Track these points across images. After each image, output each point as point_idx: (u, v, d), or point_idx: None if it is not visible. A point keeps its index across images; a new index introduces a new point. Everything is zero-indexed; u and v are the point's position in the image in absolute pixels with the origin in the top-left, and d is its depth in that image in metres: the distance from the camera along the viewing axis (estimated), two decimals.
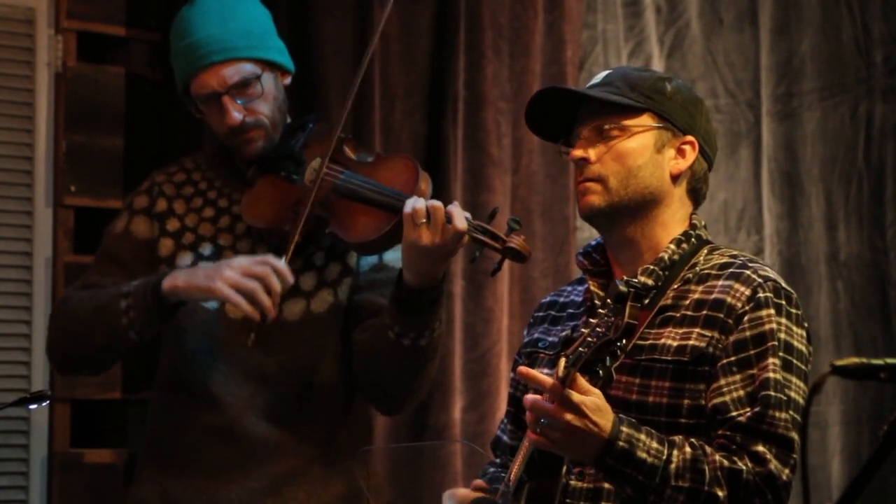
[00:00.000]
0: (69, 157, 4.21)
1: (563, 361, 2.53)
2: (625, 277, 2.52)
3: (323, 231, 3.20)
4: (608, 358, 2.50)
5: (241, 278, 3.06)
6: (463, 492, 2.83)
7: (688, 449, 2.61)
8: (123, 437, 4.25)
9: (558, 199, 4.59)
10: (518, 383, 2.94)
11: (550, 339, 2.88)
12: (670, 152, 2.79)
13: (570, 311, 2.90)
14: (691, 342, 2.69)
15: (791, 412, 2.64)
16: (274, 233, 3.23)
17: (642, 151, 2.77)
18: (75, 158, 4.21)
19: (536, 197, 4.54)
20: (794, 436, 2.64)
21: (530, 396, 2.56)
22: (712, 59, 4.79)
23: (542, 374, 2.55)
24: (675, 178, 2.80)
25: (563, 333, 2.85)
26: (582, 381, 2.53)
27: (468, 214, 3.04)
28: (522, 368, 2.60)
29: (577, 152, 2.78)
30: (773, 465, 2.60)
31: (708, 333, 2.69)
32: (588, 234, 4.63)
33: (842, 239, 4.84)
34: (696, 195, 2.84)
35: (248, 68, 3.24)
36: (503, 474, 2.89)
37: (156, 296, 3.13)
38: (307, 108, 3.45)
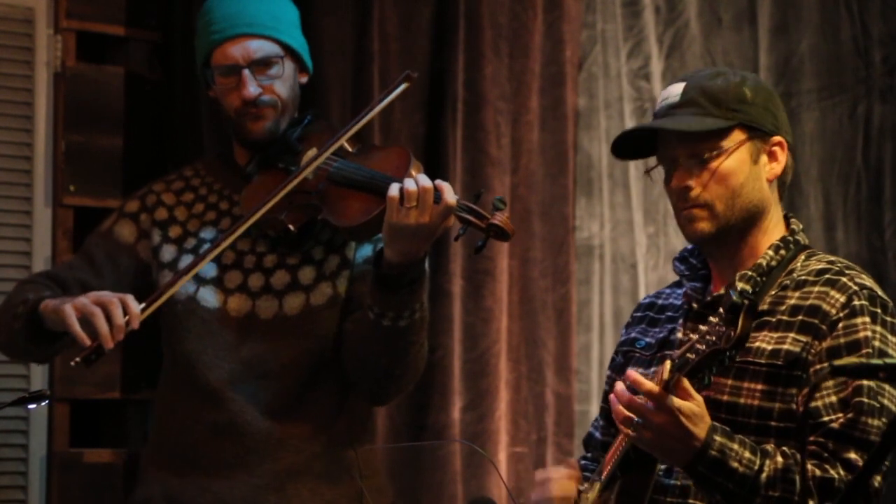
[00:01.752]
0: (68, 157, 4.20)
1: (668, 364, 2.55)
2: (739, 286, 2.52)
3: (317, 220, 3.21)
4: (715, 367, 2.52)
5: (87, 303, 3.03)
6: (560, 484, 2.86)
7: (779, 458, 2.63)
8: (123, 437, 4.25)
9: (557, 198, 4.59)
10: (612, 381, 2.95)
11: (647, 339, 2.91)
12: (764, 159, 2.81)
13: (669, 313, 2.92)
14: (786, 346, 2.70)
15: (884, 420, 2.64)
16: (269, 223, 3.22)
17: (741, 168, 2.78)
18: (74, 158, 4.20)
19: (536, 197, 4.53)
20: None
21: (625, 393, 2.59)
22: (711, 58, 4.77)
23: (644, 378, 2.57)
24: (771, 182, 2.82)
25: (661, 335, 2.87)
26: (686, 384, 2.56)
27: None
28: (629, 371, 2.61)
29: (677, 182, 2.78)
30: None
31: (803, 339, 2.70)
32: (587, 234, 4.64)
33: (840, 239, 4.83)
34: (784, 188, 2.87)
35: (274, 48, 3.27)
36: (593, 466, 2.93)
37: (34, 311, 3.14)
38: (306, 106, 3.44)
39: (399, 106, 4.33)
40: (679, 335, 2.84)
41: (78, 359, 3.01)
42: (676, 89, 2.83)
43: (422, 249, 3.07)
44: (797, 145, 4.76)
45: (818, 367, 2.68)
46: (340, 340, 3.25)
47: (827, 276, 2.76)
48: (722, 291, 2.76)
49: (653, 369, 2.78)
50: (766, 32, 4.82)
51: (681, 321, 2.84)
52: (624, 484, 2.71)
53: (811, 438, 2.65)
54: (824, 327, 2.69)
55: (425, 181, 3.02)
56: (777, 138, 2.81)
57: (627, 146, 2.90)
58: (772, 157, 2.81)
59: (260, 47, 3.25)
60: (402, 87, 3.23)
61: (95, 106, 4.22)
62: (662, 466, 2.74)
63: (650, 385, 2.55)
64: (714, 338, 2.50)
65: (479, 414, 4.37)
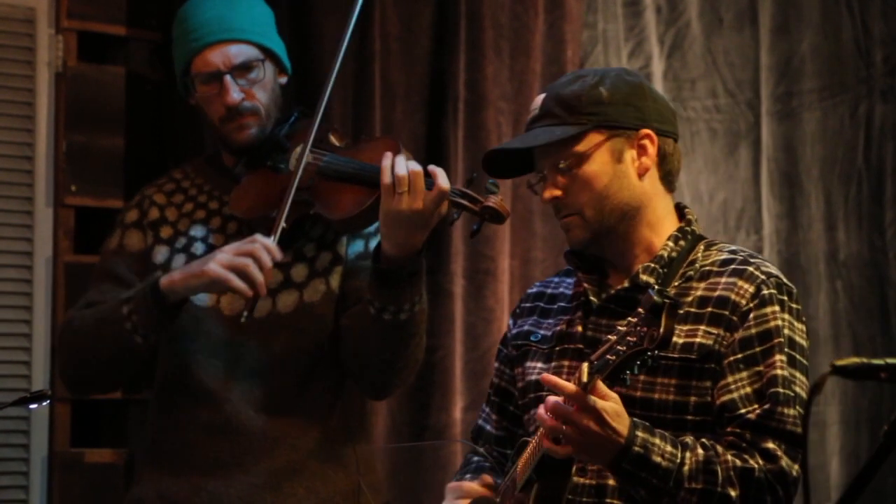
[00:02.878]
0: (69, 157, 4.19)
1: (586, 367, 2.53)
2: (657, 287, 2.54)
3: (309, 215, 3.21)
4: (636, 367, 2.50)
5: (233, 257, 3.06)
6: (468, 486, 2.84)
7: (700, 451, 2.63)
8: (124, 437, 4.25)
9: None
10: (503, 373, 2.96)
11: (542, 332, 2.88)
12: (630, 154, 2.78)
13: (561, 304, 2.90)
14: (698, 339, 2.70)
15: (798, 408, 2.67)
16: (261, 222, 3.21)
17: (604, 169, 2.75)
18: (76, 158, 4.20)
19: (537, 197, 4.38)
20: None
21: (552, 399, 2.56)
22: (712, 58, 4.76)
23: (564, 381, 2.55)
24: (643, 176, 2.79)
25: (558, 328, 2.85)
26: (601, 385, 2.54)
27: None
28: (546, 376, 2.60)
29: (546, 195, 2.79)
30: (784, 461, 2.63)
31: (714, 331, 2.70)
32: None
33: (841, 239, 4.83)
34: (670, 177, 2.83)
35: (253, 52, 3.26)
36: (486, 464, 2.93)
37: (155, 295, 3.13)
38: (303, 104, 3.44)
39: (400, 106, 4.31)
40: (578, 328, 2.82)
41: (246, 313, 3.07)
42: (537, 101, 2.83)
43: (419, 240, 3.06)
44: (797, 145, 4.79)
45: (731, 358, 2.68)
46: (335, 336, 3.24)
47: (732, 266, 2.75)
48: (626, 284, 2.76)
49: (553, 364, 2.79)
50: (767, 32, 4.80)
51: (579, 314, 2.83)
52: (541, 489, 2.68)
53: (728, 429, 2.66)
54: (735, 318, 2.70)
55: (414, 165, 3.02)
56: (644, 131, 2.77)
57: (509, 165, 2.89)
58: (640, 150, 2.78)
59: (240, 52, 3.24)
60: None
61: (96, 106, 4.22)
62: (576, 466, 2.74)
63: (571, 387, 2.53)
64: (635, 339, 2.47)
65: None
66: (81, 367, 3.27)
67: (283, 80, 3.36)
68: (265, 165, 3.28)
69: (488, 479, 2.85)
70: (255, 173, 3.28)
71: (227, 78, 3.24)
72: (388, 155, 3.04)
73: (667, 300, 2.42)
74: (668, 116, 2.83)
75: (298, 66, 3.46)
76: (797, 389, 2.68)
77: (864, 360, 2.15)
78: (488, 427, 2.99)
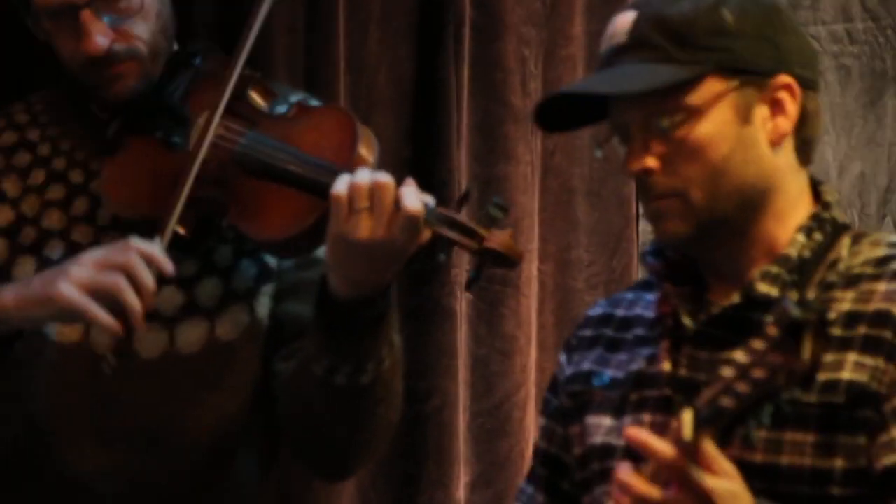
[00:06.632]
0: None
1: (689, 417, 2.21)
2: (796, 296, 2.31)
3: (220, 220, 2.79)
4: (767, 416, 2.17)
5: (96, 273, 2.63)
6: None
7: None
8: None
9: (611, 171, 3.94)
10: (553, 434, 2.60)
11: (610, 372, 2.54)
12: (761, 113, 2.41)
13: (638, 331, 2.56)
14: (846, 374, 2.38)
15: None
16: (149, 224, 2.76)
17: (724, 133, 2.41)
18: None
19: (579, 169, 3.90)
20: None
21: (633, 481, 2.24)
22: None
23: (659, 442, 2.20)
24: (777, 146, 2.41)
25: (634, 367, 2.51)
26: (710, 449, 2.21)
27: (430, 198, 2.58)
28: (632, 430, 2.27)
29: (634, 165, 2.46)
30: None
31: (870, 361, 2.38)
32: None
33: None
34: (807, 147, 2.48)
35: None
36: None
37: None
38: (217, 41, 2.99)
39: (375, 34, 3.73)
40: (665, 366, 2.47)
41: (110, 356, 2.68)
42: (624, 23, 2.49)
43: (384, 276, 2.65)
44: None
45: None
46: (265, 387, 2.82)
47: (894, 265, 2.45)
48: (736, 300, 2.43)
49: (629, 419, 2.48)
50: None
51: (666, 345, 2.49)
52: None
53: None
54: None
55: (383, 175, 2.61)
56: (782, 79, 2.41)
57: (566, 111, 2.53)
58: (776, 107, 2.42)
59: None
60: None
61: None
62: None
63: (668, 451, 2.19)
64: (763, 374, 2.15)
65: (496, 492, 3.76)
66: None
67: None
68: (153, 135, 2.83)
69: None
70: (138, 143, 2.83)
71: (85, 15, 2.79)
72: (344, 146, 2.74)
73: (811, 314, 2.13)
74: (810, 57, 2.49)
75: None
76: None
77: None
78: None
